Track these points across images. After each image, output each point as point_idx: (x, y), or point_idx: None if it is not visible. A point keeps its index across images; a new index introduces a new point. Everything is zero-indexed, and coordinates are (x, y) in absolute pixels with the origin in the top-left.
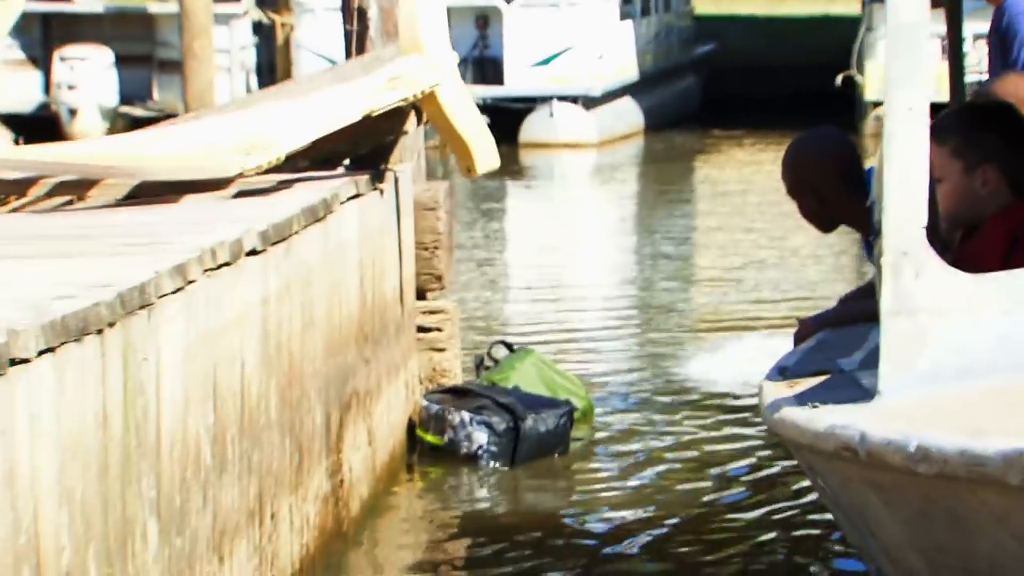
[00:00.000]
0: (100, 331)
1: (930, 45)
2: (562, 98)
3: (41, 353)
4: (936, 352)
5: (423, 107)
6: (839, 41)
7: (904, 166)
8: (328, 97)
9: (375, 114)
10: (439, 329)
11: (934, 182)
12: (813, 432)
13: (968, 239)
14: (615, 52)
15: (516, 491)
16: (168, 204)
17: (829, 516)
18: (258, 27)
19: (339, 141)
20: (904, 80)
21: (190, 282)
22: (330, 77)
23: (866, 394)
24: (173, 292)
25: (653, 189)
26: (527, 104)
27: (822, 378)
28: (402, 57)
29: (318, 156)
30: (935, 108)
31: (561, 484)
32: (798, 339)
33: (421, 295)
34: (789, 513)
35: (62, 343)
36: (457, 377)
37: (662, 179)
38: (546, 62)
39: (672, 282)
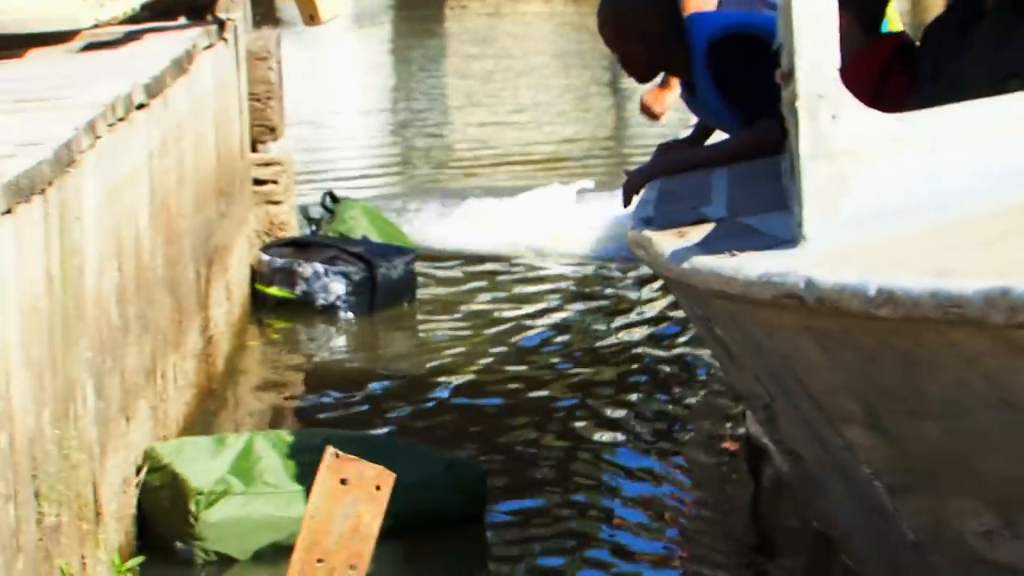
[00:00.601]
0: (43, 191)
1: None
2: None
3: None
4: (860, 195)
5: None
6: None
7: (814, 5)
8: None
9: None
10: (275, 181)
11: None
12: (743, 281)
13: None
14: None
15: (373, 339)
16: (15, 59)
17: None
18: None
19: None
20: None
21: (97, 138)
22: None
23: (779, 241)
24: (89, 148)
25: (416, 33)
26: None
27: (706, 227)
28: None
29: (157, 7)
30: None
31: (413, 331)
32: (629, 191)
33: (254, 147)
34: (614, 348)
35: (17, 203)
36: (294, 229)
37: (425, 22)
38: None
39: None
